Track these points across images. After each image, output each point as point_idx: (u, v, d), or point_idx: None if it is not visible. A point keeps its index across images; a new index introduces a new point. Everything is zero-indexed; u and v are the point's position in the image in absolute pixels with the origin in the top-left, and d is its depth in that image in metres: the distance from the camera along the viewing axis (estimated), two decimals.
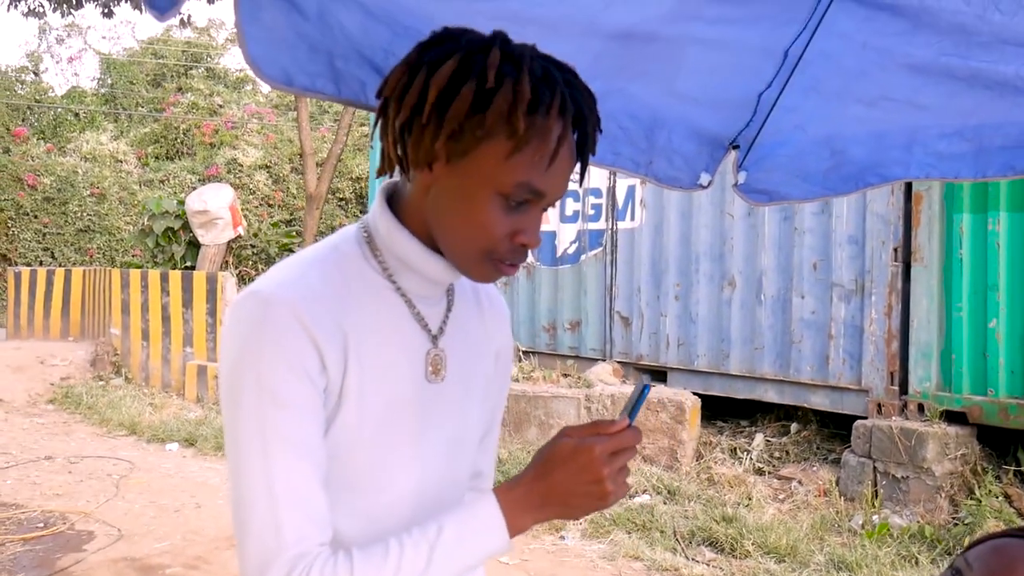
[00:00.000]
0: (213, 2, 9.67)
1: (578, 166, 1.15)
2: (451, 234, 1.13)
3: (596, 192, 8.12)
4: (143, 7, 1.10)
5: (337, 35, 1.33)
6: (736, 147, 1.92)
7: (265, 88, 21.45)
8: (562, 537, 5.68)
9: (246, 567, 1.05)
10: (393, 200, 1.20)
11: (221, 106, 19.42)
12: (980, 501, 5.40)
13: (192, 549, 5.25)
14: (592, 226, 8.18)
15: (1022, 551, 1.22)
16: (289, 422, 1.06)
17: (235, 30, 1.24)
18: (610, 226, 8.01)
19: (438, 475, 1.23)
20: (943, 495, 5.58)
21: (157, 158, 19.20)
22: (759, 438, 7.00)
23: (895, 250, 6.05)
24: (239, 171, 17.46)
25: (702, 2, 1.44)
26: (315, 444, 1.08)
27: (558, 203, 8.38)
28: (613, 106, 1.64)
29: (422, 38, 1.13)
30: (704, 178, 1.88)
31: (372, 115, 1.25)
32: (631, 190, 7.82)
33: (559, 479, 1.10)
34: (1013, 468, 5.69)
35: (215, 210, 11.02)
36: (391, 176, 1.20)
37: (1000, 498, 5.46)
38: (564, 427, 1.15)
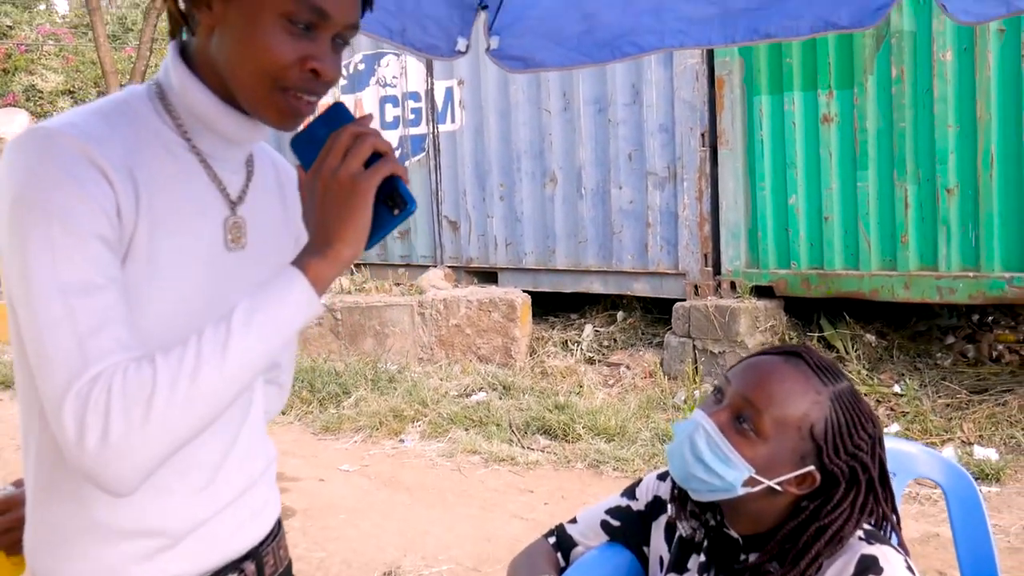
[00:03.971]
0: None
1: None
2: (239, 70, 1.07)
3: (415, 96, 8.01)
4: None
5: None
6: (484, 7, 1.89)
7: (61, 7, 19.87)
8: (401, 440, 5.76)
9: (49, 397, 0.97)
10: (185, 56, 1.13)
11: (11, 27, 17.93)
12: None
13: None
14: (413, 131, 8.09)
15: (771, 365, 1.32)
16: (85, 250, 0.98)
17: None
18: (431, 130, 7.94)
19: None
20: None
21: None
22: (588, 329, 7.23)
23: (702, 135, 6.27)
24: (39, 98, 16.26)
25: None
26: (114, 274, 1.01)
27: (376, 112, 8.23)
28: None
29: None
30: (461, 43, 1.86)
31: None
32: (449, 92, 7.75)
33: (321, 216, 1.04)
34: (817, 335, 6.12)
35: (10, 137, 10.27)
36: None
37: None
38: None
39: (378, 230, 1.05)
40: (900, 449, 1.68)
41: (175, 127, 1.12)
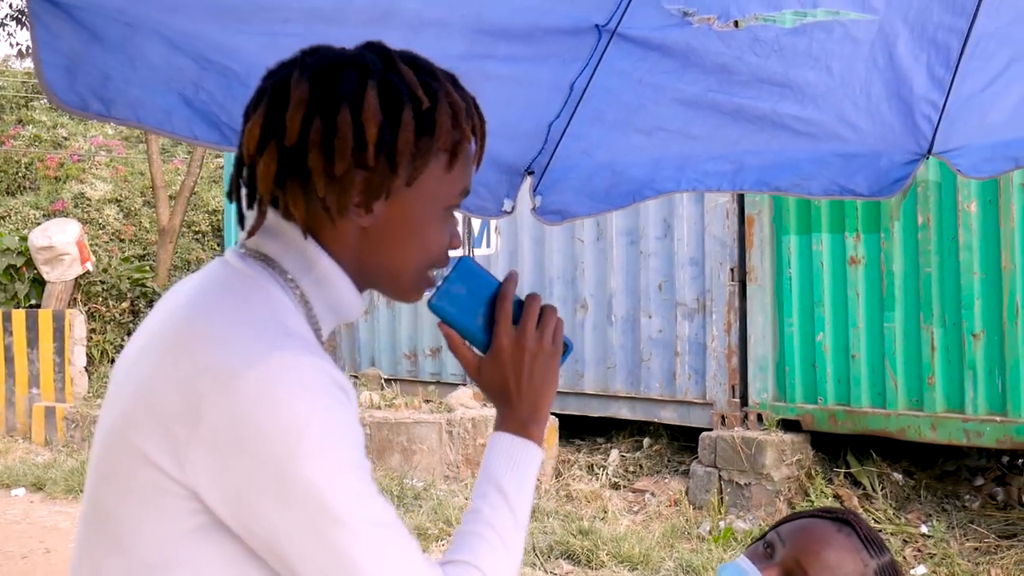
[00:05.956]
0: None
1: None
2: (400, 263, 1.08)
3: None
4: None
5: (138, 65, 1.36)
6: (531, 173, 2.10)
7: None
8: None
9: None
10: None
11: (66, 139, 18.69)
12: (813, 502, 5.79)
13: None
14: (450, 254, 8.33)
15: (826, 533, 1.41)
16: (368, 478, 0.97)
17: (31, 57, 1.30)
18: (467, 253, 8.18)
19: None
20: (782, 498, 5.95)
21: None
22: (614, 454, 7.28)
23: (732, 270, 6.46)
24: (87, 205, 16.82)
25: (494, 42, 1.61)
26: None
27: None
28: None
29: (231, 72, 1.15)
30: (507, 204, 2.07)
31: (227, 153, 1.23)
32: (485, 219, 8.02)
33: (525, 387, 1.12)
34: (843, 470, 6.14)
35: (60, 246, 10.63)
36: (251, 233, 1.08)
37: (831, 498, 5.88)
38: (481, 354, 1.15)
39: None
40: None
41: (307, 317, 1.06)
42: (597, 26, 1.71)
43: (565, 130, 1.96)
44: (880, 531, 5.57)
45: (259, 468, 0.91)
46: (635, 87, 1.81)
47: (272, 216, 1.06)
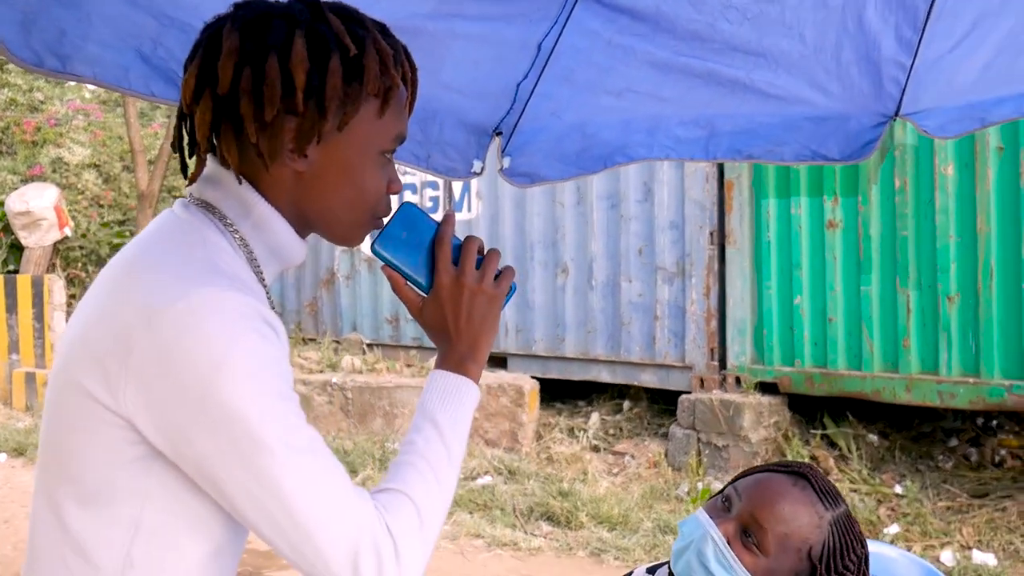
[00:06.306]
0: None
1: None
2: (338, 208, 1.11)
3: (433, 185, 8.27)
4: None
5: (95, 21, 1.36)
6: (499, 134, 2.08)
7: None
8: None
9: (328, 557, 0.98)
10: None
11: (43, 102, 18.45)
12: None
13: (24, 559, 5.09)
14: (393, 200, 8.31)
15: (781, 486, 1.43)
16: (296, 408, 1.00)
17: None
18: (450, 216, 8.16)
19: None
20: (759, 459, 6.02)
21: None
22: (595, 417, 7.33)
23: (711, 234, 6.48)
24: (65, 170, 16.65)
25: (462, 0, 1.60)
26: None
27: (394, 198, 8.47)
28: None
29: (192, 29, 1.14)
30: (476, 165, 2.06)
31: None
32: (466, 182, 8.01)
33: (464, 326, 1.15)
34: (820, 432, 6.21)
35: (38, 211, 10.55)
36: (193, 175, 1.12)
37: (808, 459, 5.95)
38: (421, 294, 1.18)
39: None
40: (882, 553, 1.80)
41: (248, 260, 1.10)
42: None
43: (533, 90, 1.95)
44: (855, 491, 5.67)
45: (185, 395, 0.96)
46: (605, 48, 1.80)
47: (212, 165, 1.11)
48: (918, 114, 1.89)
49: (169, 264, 1.03)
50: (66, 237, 11.60)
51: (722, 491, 1.47)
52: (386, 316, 8.70)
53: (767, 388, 6.25)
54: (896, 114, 1.89)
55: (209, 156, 1.11)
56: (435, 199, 8.30)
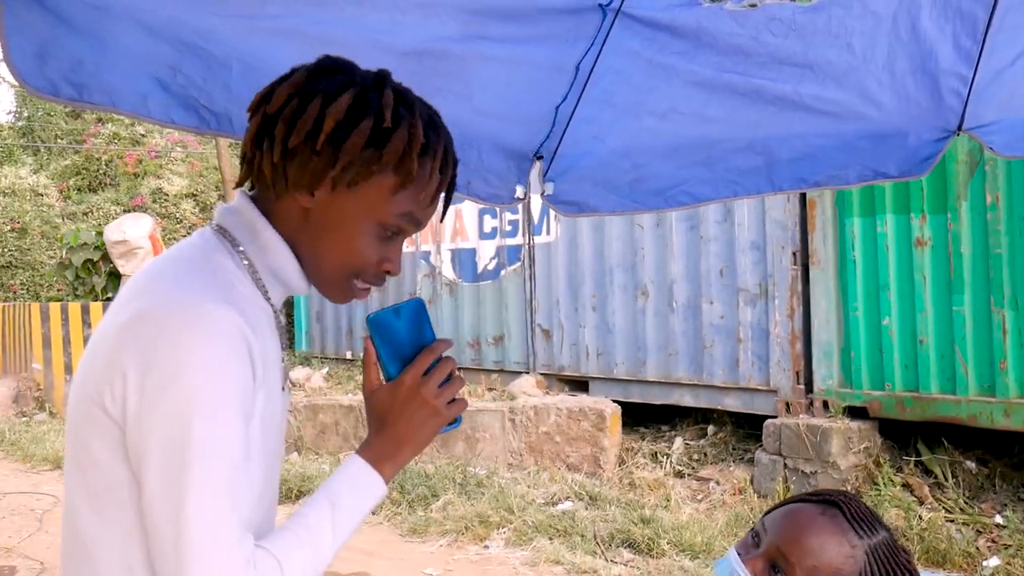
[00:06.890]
0: None
1: (441, 203, 1.24)
2: (324, 256, 1.17)
3: (512, 208, 8.28)
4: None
5: (111, 49, 1.37)
6: (540, 158, 2.04)
7: None
8: (486, 546, 5.79)
9: (195, 569, 1.02)
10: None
11: (144, 135, 19.22)
12: (881, 491, 5.64)
13: None
14: (510, 242, 8.35)
15: (807, 517, 1.36)
16: (239, 434, 1.06)
17: None
18: (527, 241, 8.18)
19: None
20: (849, 487, 5.81)
21: (79, 190, 18.90)
22: (678, 442, 7.20)
23: (794, 254, 6.31)
24: (165, 200, 17.31)
25: (487, 22, 1.56)
26: (247, 450, 1.09)
27: (474, 222, 8.52)
28: None
29: (209, 55, 1.18)
30: (520, 191, 2.02)
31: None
32: (545, 205, 7.99)
33: (401, 428, 1.20)
34: (913, 458, 5.96)
35: (134, 239, 10.94)
36: (251, 190, 1.22)
37: (900, 487, 5.72)
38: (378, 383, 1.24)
39: None
40: None
41: (254, 281, 1.18)
42: (601, 5, 1.66)
43: (573, 113, 1.92)
44: (951, 521, 5.41)
45: (151, 395, 1.03)
46: (646, 67, 1.76)
47: (239, 198, 1.21)
48: (982, 128, 1.80)
49: (166, 277, 1.13)
50: None
51: (752, 528, 1.41)
52: (468, 340, 8.73)
53: (856, 413, 6.03)
54: (959, 129, 1.80)
55: (239, 191, 1.20)
56: (514, 223, 8.31)
